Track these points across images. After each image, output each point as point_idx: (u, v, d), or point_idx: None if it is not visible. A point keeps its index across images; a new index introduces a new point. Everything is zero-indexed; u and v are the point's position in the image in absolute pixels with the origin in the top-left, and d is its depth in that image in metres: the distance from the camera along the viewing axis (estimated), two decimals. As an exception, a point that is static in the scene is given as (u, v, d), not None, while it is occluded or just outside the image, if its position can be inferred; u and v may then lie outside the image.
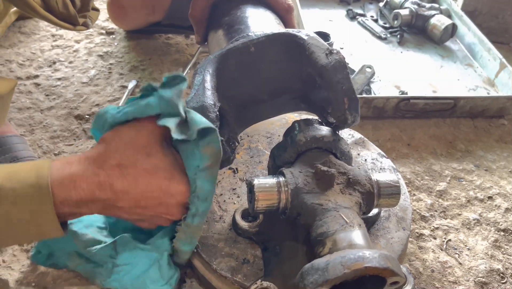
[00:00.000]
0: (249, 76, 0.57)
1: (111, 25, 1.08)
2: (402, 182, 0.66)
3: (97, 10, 0.93)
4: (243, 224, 0.55)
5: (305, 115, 0.70)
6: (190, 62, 0.97)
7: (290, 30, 0.56)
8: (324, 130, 0.52)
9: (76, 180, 0.43)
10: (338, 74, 0.51)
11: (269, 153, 0.69)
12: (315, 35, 0.56)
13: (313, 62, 0.52)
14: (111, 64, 0.97)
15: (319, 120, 0.55)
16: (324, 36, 1.04)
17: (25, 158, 0.67)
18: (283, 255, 0.52)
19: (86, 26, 0.84)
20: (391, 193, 0.51)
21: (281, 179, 0.49)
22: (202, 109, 0.48)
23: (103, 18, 1.08)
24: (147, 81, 0.93)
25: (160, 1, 0.97)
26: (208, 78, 0.52)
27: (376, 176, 0.51)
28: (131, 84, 0.90)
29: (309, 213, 0.47)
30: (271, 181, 0.49)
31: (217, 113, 0.49)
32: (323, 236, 0.45)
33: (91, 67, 0.96)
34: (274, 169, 0.53)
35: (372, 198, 0.50)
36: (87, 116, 0.84)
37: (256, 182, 0.49)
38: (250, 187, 0.49)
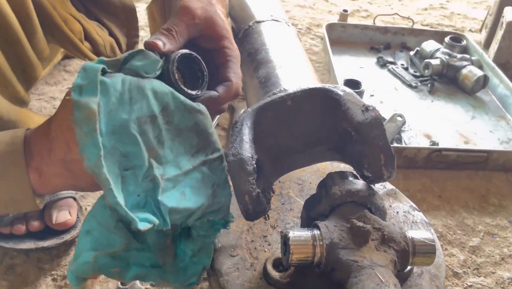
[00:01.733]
0: (285, 128, 0.58)
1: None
2: (436, 238, 0.65)
3: None
4: (275, 274, 0.55)
5: (336, 164, 0.71)
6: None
7: (327, 86, 0.58)
8: (359, 184, 0.53)
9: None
10: (375, 130, 0.52)
11: (299, 200, 0.70)
12: (351, 91, 0.57)
13: (350, 118, 0.54)
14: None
15: (354, 173, 0.56)
16: (356, 83, 1.06)
17: None
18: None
19: None
20: (426, 251, 0.50)
21: (316, 232, 0.49)
22: (240, 162, 0.50)
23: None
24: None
25: None
26: (246, 131, 0.53)
27: (411, 233, 0.51)
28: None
29: (344, 269, 0.47)
30: (306, 234, 0.49)
31: (255, 165, 0.51)
32: (358, 294, 0.44)
33: (129, 106, 0.99)
34: (307, 220, 0.54)
35: (407, 256, 0.49)
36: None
37: (291, 234, 0.49)
38: (285, 240, 0.50)
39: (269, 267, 0.56)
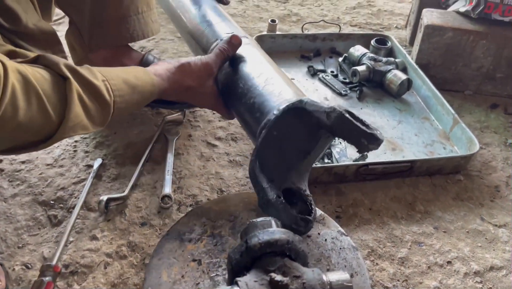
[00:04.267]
0: (282, 153, 0.68)
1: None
2: (362, 262, 0.69)
3: None
4: None
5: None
6: (155, 134, 0.99)
7: (294, 101, 0.66)
8: (278, 233, 0.54)
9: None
10: (344, 127, 0.61)
11: (232, 239, 0.71)
12: (310, 100, 0.65)
13: (322, 124, 0.63)
14: (76, 141, 0.98)
15: (274, 220, 0.57)
16: None
17: None
18: None
19: None
20: None
21: None
22: (268, 205, 0.63)
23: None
24: (112, 158, 0.94)
25: None
26: (260, 176, 0.65)
27: (330, 276, 0.53)
28: (96, 164, 0.91)
29: None
30: None
31: (282, 199, 0.63)
32: None
33: (56, 146, 0.96)
34: (232, 274, 0.55)
35: None
36: (52, 202, 0.84)
37: None
38: None
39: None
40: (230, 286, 0.52)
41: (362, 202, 0.89)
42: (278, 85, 0.74)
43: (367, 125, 0.63)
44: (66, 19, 1.36)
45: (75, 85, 0.61)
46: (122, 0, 0.91)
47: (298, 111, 0.66)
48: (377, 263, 0.78)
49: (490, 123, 1.15)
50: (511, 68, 1.19)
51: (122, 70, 0.73)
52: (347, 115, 0.61)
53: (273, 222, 0.57)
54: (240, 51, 0.84)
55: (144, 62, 1.00)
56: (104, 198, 0.82)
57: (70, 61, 1.20)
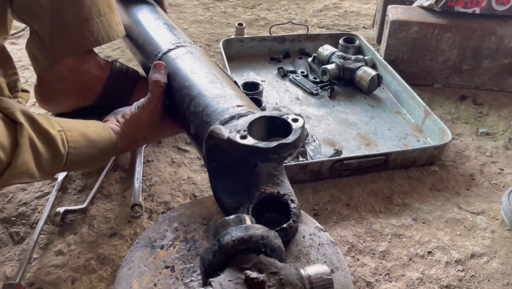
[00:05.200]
0: (235, 170, 0.65)
1: (37, 110, 1.04)
2: (342, 257, 0.66)
3: (26, 91, 0.90)
4: None
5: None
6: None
7: (206, 137, 0.61)
8: (252, 229, 0.52)
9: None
10: (237, 150, 0.57)
11: (206, 242, 0.67)
12: (217, 128, 0.60)
13: None
14: (38, 154, 0.93)
15: (248, 216, 0.55)
16: (255, 85, 1.08)
17: None
18: None
19: None
20: (324, 287, 0.50)
21: None
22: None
23: (28, 104, 1.04)
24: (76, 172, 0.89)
25: (91, 86, 0.96)
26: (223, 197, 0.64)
27: (308, 270, 0.51)
28: (60, 176, 0.87)
29: None
30: None
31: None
32: None
33: (17, 160, 0.91)
34: (205, 275, 0.51)
35: None
36: (13, 218, 0.79)
37: None
38: None
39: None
40: (203, 288, 0.49)
41: (339, 198, 0.88)
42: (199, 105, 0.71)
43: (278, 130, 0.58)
44: (26, 33, 1.31)
45: (27, 132, 0.59)
46: (83, 3, 0.87)
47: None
48: (358, 259, 0.76)
49: (461, 114, 1.16)
50: (477, 60, 1.21)
51: (81, 123, 0.71)
52: (231, 137, 0.56)
53: (246, 218, 0.54)
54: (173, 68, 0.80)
55: (113, 69, 0.96)
56: (61, 209, 0.77)
57: (28, 74, 1.15)
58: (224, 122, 0.62)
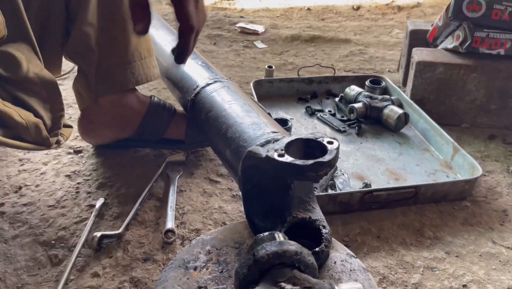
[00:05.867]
0: (268, 193, 0.67)
1: (79, 144, 1.10)
2: (374, 283, 0.66)
3: (70, 126, 0.95)
4: None
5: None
6: (157, 173, 0.99)
7: (242, 157, 0.64)
8: (286, 244, 0.53)
9: None
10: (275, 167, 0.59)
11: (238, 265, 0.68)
12: (254, 148, 0.63)
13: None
14: (78, 183, 0.98)
15: (281, 233, 0.56)
16: (284, 121, 1.12)
17: None
18: None
19: (58, 144, 0.87)
20: None
21: None
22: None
23: (71, 137, 1.11)
24: (115, 197, 0.93)
25: (130, 119, 1.02)
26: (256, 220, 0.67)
27: (342, 287, 0.51)
28: (98, 203, 0.90)
29: None
30: None
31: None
32: None
33: (58, 188, 0.96)
34: (238, 287, 0.53)
35: None
36: (52, 241, 0.82)
37: None
38: None
39: None
40: None
41: (369, 230, 0.88)
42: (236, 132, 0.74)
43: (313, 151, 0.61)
44: (71, 75, 1.41)
45: None
46: (127, 48, 0.95)
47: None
48: (390, 290, 0.75)
49: (490, 153, 1.15)
50: (504, 100, 1.22)
51: None
52: (269, 154, 0.59)
53: (280, 235, 0.55)
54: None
55: (151, 104, 1.02)
56: (98, 234, 0.80)
57: (72, 111, 1.23)
58: (261, 146, 0.65)
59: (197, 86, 0.90)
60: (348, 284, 0.51)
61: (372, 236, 0.86)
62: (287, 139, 0.62)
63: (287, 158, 0.58)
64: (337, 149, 0.60)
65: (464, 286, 0.76)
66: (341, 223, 0.89)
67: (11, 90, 0.78)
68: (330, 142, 0.61)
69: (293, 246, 0.53)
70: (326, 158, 0.57)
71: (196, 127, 0.93)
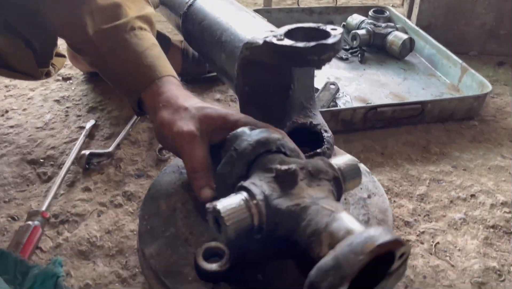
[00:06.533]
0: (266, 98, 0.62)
1: (68, 71, 1.05)
2: (378, 184, 0.63)
3: (63, 56, 0.89)
4: (210, 266, 0.47)
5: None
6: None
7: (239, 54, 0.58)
8: (264, 132, 0.48)
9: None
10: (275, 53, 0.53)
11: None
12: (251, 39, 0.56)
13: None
14: (68, 107, 0.93)
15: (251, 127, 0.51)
16: None
17: None
18: (269, 280, 0.46)
19: (48, 75, 0.81)
20: (354, 175, 0.47)
21: (244, 193, 0.44)
22: None
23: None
24: (106, 120, 0.89)
25: None
26: None
27: (335, 161, 0.47)
28: (88, 124, 0.86)
29: (288, 218, 0.41)
30: (236, 199, 0.43)
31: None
32: (316, 235, 0.38)
33: (46, 112, 0.91)
34: (225, 191, 0.47)
35: (340, 183, 0.46)
36: (41, 160, 0.79)
37: (219, 206, 0.42)
38: (215, 214, 0.43)
39: (201, 262, 0.48)
40: (235, 193, 0.44)
41: (373, 148, 0.84)
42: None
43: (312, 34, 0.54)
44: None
45: None
46: None
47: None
48: (394, 201, 0.72)
49: (500, 77, 1.10)
50: (515, 24, 1.16)
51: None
52: (267, 39, 0.53)
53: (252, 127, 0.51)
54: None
55: None
56: (86, 152, 0.76)
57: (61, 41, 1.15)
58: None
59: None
60: (342, 158, 0.48)
61: (376, 152, 0.82)
62: (288, 27, 0.57)
63: (287, 41, 0.53)
64: (341, 34, 0.55)
65: (472, 195, 0.73)
66: (343, 142, 0.85)
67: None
68: (334, 29, 0.56)
69: (273, 132, 0.49)
70: (330, 40, 0.52)
71: (190, 40, 0.87)
